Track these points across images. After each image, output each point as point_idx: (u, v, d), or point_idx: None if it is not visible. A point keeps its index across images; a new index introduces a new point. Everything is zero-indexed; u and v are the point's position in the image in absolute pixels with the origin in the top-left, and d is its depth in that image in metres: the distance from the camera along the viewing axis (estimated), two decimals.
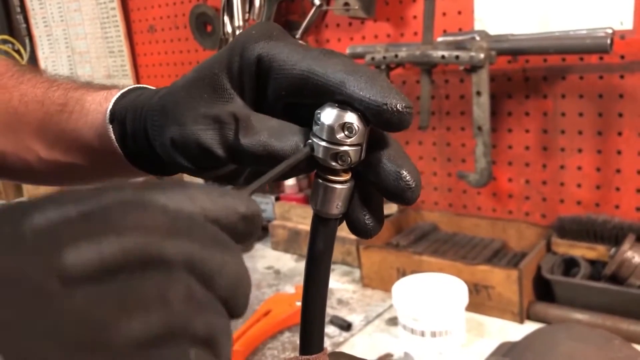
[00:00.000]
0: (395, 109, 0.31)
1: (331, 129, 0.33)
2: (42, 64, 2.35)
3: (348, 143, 0.33)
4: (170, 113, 0.36)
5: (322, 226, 0.37)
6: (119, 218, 0.19)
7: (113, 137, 0.42)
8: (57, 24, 2.23)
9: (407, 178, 0.33)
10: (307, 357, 0.41)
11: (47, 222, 0.19)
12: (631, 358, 0.65)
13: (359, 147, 0.34)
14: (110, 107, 0.43)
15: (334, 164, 0.34)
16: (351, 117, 0.33)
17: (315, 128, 0.34)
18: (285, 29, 1.46)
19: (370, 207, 0.36)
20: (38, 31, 2.31)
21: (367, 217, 0.36)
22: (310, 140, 0.34)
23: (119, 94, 0.44)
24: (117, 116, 0.42)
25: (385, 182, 0.34)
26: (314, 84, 0.33)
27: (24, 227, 0.18)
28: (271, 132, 0.34)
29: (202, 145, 0.35)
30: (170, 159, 0.37)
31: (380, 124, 0.32)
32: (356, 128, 0.33)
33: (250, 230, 0.24)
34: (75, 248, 0.18)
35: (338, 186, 0.35)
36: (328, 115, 0.33)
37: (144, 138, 0.40)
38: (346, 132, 0.33)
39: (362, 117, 0.33)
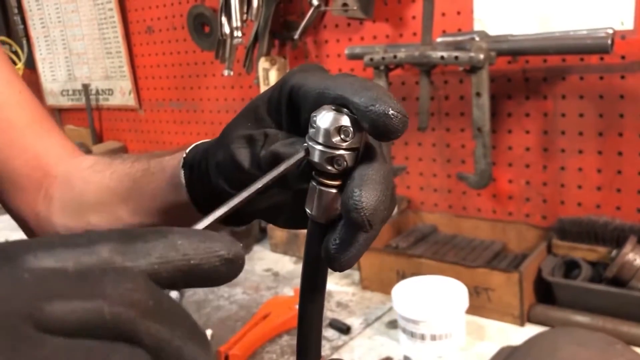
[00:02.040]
0: (382, 111, 0.30)
1: (327, 133, 0.32)
2: (40, 65, 2.34)
3: (344, 147, 0.32)
4: (220, 141, 0.40)
5: (318, 231, 0.36)
6: (107, 283, 0.20)
7: (184, 181, 0.45)
8: (55, 25, 2.22)
9: (357, 201, 0.31)
10: None
11: (39, 269, 0.20)
12: None
13: (355, 152, 0.33)
14: (185, 153, 0.46)
15: (329, 168, 0.33)
16: (347, 121, 0.32)
17: (311, 131, 0.33)
18: (283, 29, 1.46)
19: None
20: (35, 32, 2.30)
21: (336, 242, 0.33)
22: (306, 144, 0.33)
23: (196, 143, 0.46)
24: (188, 160, 0.45)
25: (343, 199, 0.32)
26: (327, 99, 0.34)
27: (17, 269, 0.20)
28: (284, 143, 0.36)
29: (235, 161, 0.38)
30: (217, 186, 0.40)
31: (369, 128, 0.31)
32: (352, 132, 0.32)
33: (231, 273, 0.24)
34: (60, 301, 0.19)
35: (334, 191, 0.34)
36: (324, 118, 0.32)
37: (206, 174, 0.43)
38: (342, 136, 0.32)
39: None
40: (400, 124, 0.31)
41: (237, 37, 1.48)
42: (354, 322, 1.16)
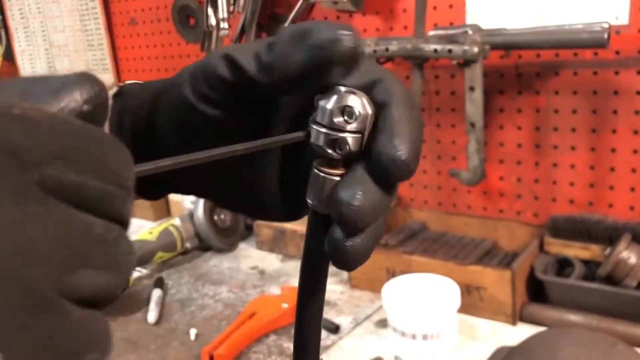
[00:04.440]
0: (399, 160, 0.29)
1: (330, 113, 0.30)
2: (19, 57, 2.28)
3: (347, 129, 0.30)
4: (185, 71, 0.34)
5: (320, 223, 0.33)
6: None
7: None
8: (35, 16, 2.16)
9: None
10: None
11: None
12: None
13: (360, 135, 0.30)
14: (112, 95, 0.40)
15: (330, 151, 0.30)
16: (353, 101, 0.30)
17: (314, 113, 0.31)
18: (270, 22, 1.41)
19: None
20: (14, 23, 2.24)
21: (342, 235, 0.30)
22: (309, 128, 0.31)
23: (119, 85, 0.41)
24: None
25: (375, 158, 0.29)
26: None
27: None
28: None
29: (234, 61, 0.31)
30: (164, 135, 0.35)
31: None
32: (357, 113, 0.30)
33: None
34: None
35: (337, 179, 0.31)
36: (328, 98, 0.30)
37: (146, 123, 0.37)
38: (346, 117, 0.30)
39: (367, 101, 0.30)
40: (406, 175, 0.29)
41: (224, 28, 1.45)
42: (343, 321, 1.13)
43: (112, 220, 0.20)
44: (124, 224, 0.21)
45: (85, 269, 0.18)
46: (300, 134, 0.31)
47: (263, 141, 0.31)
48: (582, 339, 0.65)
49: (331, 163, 0.31)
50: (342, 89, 0.30)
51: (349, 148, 0.30)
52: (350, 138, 0.30)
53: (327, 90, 0.31)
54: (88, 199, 0.19)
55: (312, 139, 0.31)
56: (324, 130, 0.30)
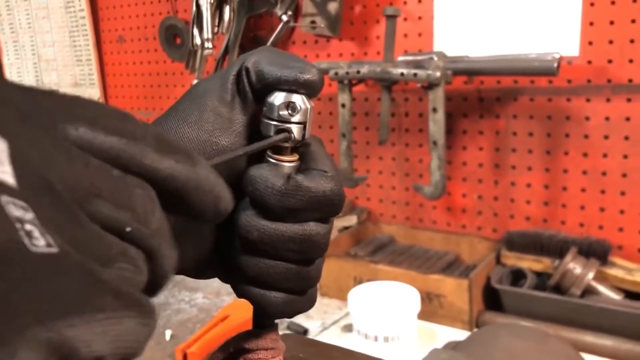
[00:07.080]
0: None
1: (277, 108, 0.37)
2: (7, 70, 2.33)
3: (292, 120, 0.37)
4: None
5: None
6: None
7: None
8: (24, 30, 2.23)
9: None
10: (259, 330, 0.44)
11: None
12: (566, 353, 0.70)
13: (302, 125, 0.38)
14: None
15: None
16: (295, 98, 0.37)
17: (264, 109, 0.38)
18: (252, 43, 1.51)
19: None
20: (4, 37, 2.30)
21: None
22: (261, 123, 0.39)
23: None
24: None
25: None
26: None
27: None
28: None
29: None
30: None
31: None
32: (299, 107, 0.37)
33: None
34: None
35: (286, 164, 0.39)
36: (275, 97, 0.38)
37: None
38: (289, 111, 0.37)
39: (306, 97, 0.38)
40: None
41: (208, 48, 1.52)
42: (312, 325, 1.20)
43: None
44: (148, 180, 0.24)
45: (101, 200, 0.21)
46: (283, 135, 0.38)
47: (253, 146, 0.38)
48: (517, 331, 0.73)
49: (280, 151, 0.39)
50: (283, 89, 0.38)
51: (294, 136, 0.38)
52: (295, 128, 0.38)
53: (273, 90, 0.38)
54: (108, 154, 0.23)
55: (263, 131, 0.38)
56: (273, 122, 0.38)
